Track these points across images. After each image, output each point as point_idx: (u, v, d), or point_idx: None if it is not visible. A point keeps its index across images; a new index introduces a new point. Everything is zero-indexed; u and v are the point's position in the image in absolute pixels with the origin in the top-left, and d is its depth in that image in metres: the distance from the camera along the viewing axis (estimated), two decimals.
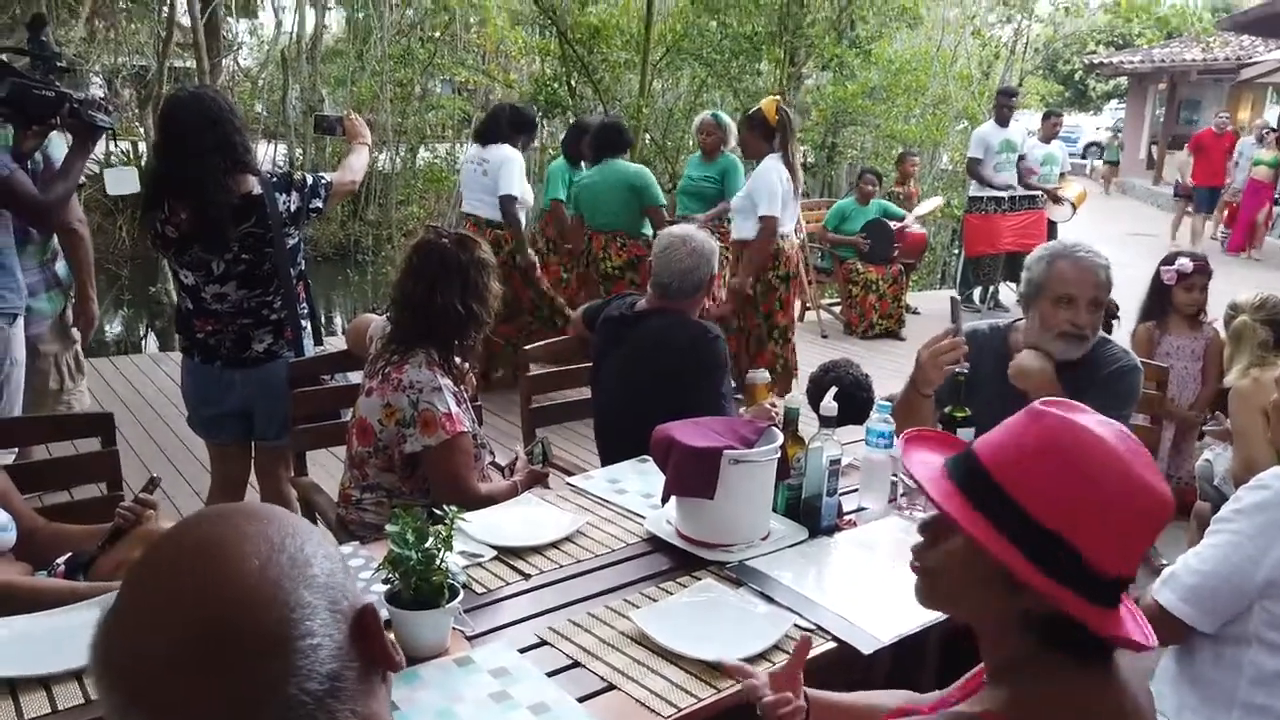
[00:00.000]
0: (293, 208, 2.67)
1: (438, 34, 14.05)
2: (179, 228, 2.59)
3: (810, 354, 6.61)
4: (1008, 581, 1.04)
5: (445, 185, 14.60)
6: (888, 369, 6.31)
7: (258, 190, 2.60)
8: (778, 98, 4.95)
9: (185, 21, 10.46)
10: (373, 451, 2.33)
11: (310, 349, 2.83)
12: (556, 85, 12.25)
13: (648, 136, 12.25)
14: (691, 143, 13.86)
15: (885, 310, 7.39)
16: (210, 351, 2.74)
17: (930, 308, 8.48)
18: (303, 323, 2.79)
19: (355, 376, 2.91)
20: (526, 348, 3.10)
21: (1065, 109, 21.17)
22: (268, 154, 13.01)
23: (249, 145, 2.66)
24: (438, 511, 1.60)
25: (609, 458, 2.78)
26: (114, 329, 9.84)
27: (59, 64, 2.80)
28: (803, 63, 12.66)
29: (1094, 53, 21.58)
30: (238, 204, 2.57)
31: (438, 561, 1.52)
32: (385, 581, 1.54)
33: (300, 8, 13.46)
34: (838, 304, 7.79)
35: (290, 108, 12.97)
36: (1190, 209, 12.77)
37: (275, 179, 2.66)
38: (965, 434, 2.14)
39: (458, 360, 2.41)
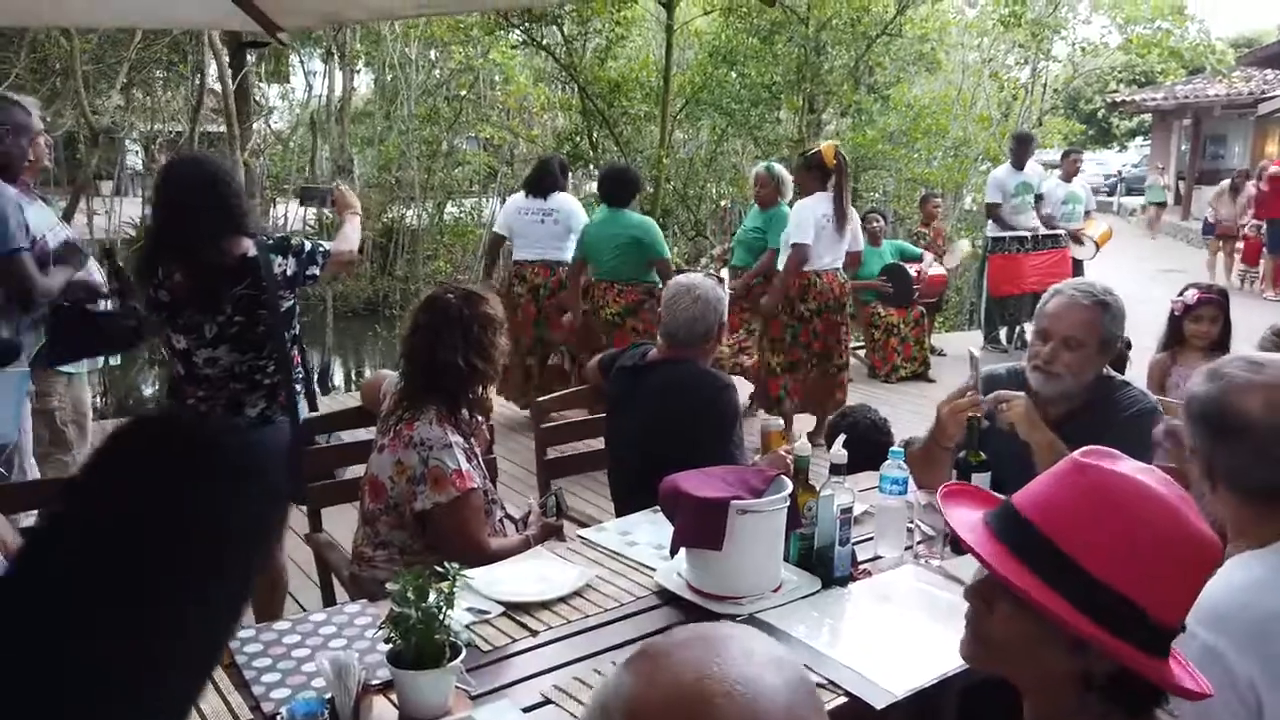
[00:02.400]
0: (289, 272, 2.66)
1: (463, 93, 14.33)
2: (172, 291, 2.59)
3: None
4: (1069, 642, 1.02)
5: (471, 239, 14.80)
6: (913, 412, 6.24)
7: (253, 252, 2.60)
8: (836, 142, 5.12)
9: (219, 88, 10.76)
10: (384, 509, 2.33)
11: (305, 414, 2.81)
12: (579, 139, 12.43)
13: (670, 185, 12.36)
14: (714, 191, 14.04)
15: (909, 353, 7.34)
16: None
17: (957, 349, 8.40)
18: (298, 387, 2.77)
19: (348, 436, 2.92)
20: (540, 399, 3.10)
21: (1089, 147, 21.13)
22: (298, 214, 13.25)
23: (247, 209, 2.66)
24: (439, 569, 1.59)
25: (623, 508, 2.76)
26: (148, 389, 9.98)
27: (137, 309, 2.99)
28: (822, 109, 12.77)
29: (1115, 91, 21.58)
30: (232, 265, 2.57)
31: (440, 620, 1.50)
32: (387, 641, 1.53)
33: (330, 72, 13.83)
34: (861, 348, 7.75)
35: (319, 169, 13.25)
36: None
37: (272, 242, 2.66)
38: (980, 479, 2.11)
39: (467, 414, 2.42)
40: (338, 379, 12.17)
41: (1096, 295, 2.23)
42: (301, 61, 14.52)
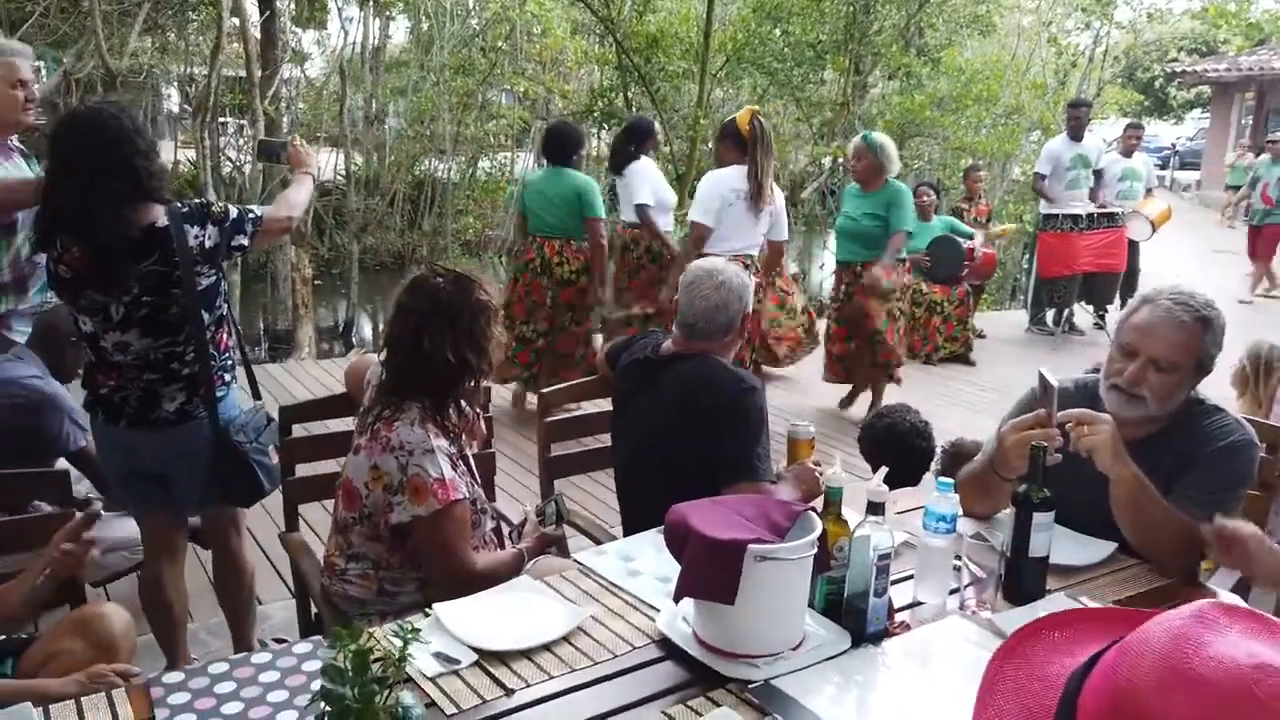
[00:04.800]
0: (207, 243, 2.32)
1: (500, 44, 13.93)
2: (72, 266, 2.28)
3: None
4: None
5: (501, 194, 14.47)
6: (949, 400, 5.92)
7: (163, 222, 2.27)
8: (755, 108, 4.58)
9: (254, 34, 10.42)
10: (358, 518, 2.07)
11: (238, 406, 2.52)
12: (613, 95, 12.03)
13: (707, 146, 11.95)
14: None
15: (951, 333, 6.97)
16: (114, 410, 2.39)
17: (999, 330, 8.02)
18: (226, 376, 2.46)
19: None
20: (545, 390, 2.81)
21: (1144, 118, 20.29)
22: (329, 162, 12.98)
23: (156, 170, 2.32)
24: (395, 630, 1.32)
25: (631, 518, 2.50)
26: None
27: None
28: (868, 71, 12.28)
29: (1175, 60, 20.70)
30: (138, 237, 2.25)
31: (384, 698, 1.23)
32: (318, 718, 1.26)
33: (366, 19, 13.46)
34: None
35: (348, 116, 12.95)
36: None
37: (187, 210, 2.33)
38: (1043, 519, 1.81)
39: (457, 412, 2.15)
40: (366, 332, 12.01)
41: (1197, 310, 1.89)
42: (339, 7, 14.16)
